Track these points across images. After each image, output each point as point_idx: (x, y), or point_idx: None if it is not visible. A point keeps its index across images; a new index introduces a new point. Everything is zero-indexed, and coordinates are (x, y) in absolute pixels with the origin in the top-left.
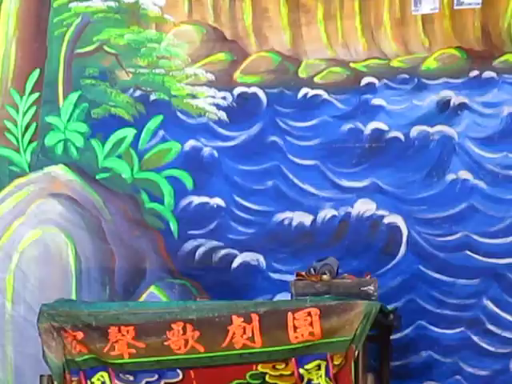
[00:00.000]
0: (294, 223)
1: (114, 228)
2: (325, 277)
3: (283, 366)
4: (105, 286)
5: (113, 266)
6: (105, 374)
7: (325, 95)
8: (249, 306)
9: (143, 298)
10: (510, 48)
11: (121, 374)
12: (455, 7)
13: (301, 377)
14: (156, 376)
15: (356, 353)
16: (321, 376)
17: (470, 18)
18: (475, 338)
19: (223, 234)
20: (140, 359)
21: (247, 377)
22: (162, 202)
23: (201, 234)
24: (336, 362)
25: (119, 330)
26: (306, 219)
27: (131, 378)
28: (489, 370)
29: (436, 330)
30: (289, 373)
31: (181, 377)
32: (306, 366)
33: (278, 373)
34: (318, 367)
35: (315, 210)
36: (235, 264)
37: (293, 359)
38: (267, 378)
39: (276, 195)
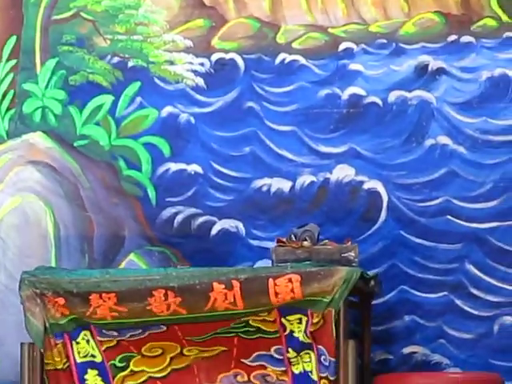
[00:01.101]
0: (273, 189)
1: (93, 195)
2: (305, 243)
3: (266, 314)
4: (84, 254)
5: (91, 233)
6: (87, 333)
7: (303, 61)
8: (229, 273)
9: (122, 265)
10: (489, 12)
11: (104, 330)
12: None
13: (283, 326)
14: (140, 330)
15: (334, 316)
16: (301, 330)
17: None
18: (458, 302)
19: (201, 201)
20: (123, 320)
21: (231, 324)
22: (139, 169)
23: (179, 201)
24: (314, 321)
25: (100, 297)
26: (285, 185)
27: (115, 334)
28: (473, 334)
29: (419, 294)
30: (271, 319)
31: (165, 329)
32: (288, 317)
33: (260, 318)
34: (299, 320)
35: (293, 176)
36: (214, 231)
37: (275, 310)
38: (250, 321)
39: (254, 161)
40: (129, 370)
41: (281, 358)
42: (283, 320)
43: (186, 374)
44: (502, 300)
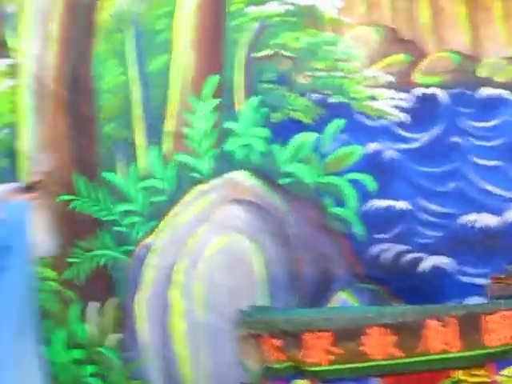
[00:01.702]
0: (479, 225)
1: (299, 233)
2: None
3: (480, 371)
4: (293, 292)
5: (300, 271)
6: (302, 382)
7: (505, 94)
8: (443, 310)
9: (332, 303)
10: None
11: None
12: None
13: None
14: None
15: None
16: None
17: None
18: None
19: (410, 238)
20: (337, 366)
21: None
22: (345, 206)
23: (386, 237)
24: None
25: (315, 336)
26: (492, 220)
27: None
28: None
29: None
30: (486, 380)
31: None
32: (503, 372)
33: (475, 379)
34: None
35: (500, 211)
36: (422, 268)
37: (491, 364)
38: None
39: (459, 197)
40: None
41: None
42: (497, 377)
43: None
44: None
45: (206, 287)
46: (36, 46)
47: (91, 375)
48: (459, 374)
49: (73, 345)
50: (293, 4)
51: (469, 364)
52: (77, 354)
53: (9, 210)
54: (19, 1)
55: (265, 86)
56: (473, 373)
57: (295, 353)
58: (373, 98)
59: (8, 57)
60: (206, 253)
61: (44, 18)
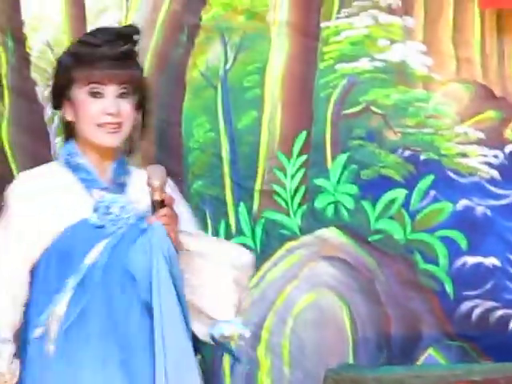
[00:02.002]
0: None
1: (389, 290)
2: None
3: None
4: (381, 350)
5: (389, 328)
6: None
7: None
8: None
9: (421, 360)
10: None
11: None
12: None
13: None
14: None
15: None
16: None
17: None
18: None
19: (499, 294)
20: None
21: None
22: (436, 263)
23: (476, 294)
24: None
25: None
26: None
27: None
28: None
29: None
30: None
31: None
32: None
33: None
34: None
35: None
36: None
37: None
38: None
39: None
40: None
41: None
42: None
43: None
44: None
45: (294, 344)
46: None
47: None
48: None
49: None
50: (383, 61)
51: None
52: None
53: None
54: None
55: (354, 142)
56: None
57: None
58: (464, 155)
59: None
60: (294, 310)
61: None
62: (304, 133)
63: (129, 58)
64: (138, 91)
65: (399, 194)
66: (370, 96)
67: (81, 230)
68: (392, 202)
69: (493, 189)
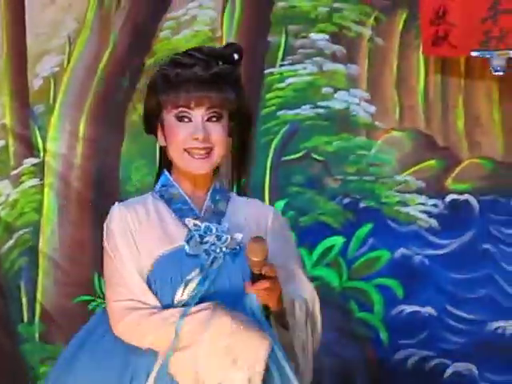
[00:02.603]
0: (508, 332)
1: (323, 338)
2: None
3: None
4: None
5: (322, 377)
6: None
7: None
8: None
9: None
10: None
11: None
12: None
13: None
14: None
15: None
16: None
17: None
18: None
19: (435, 344)
20: None
21: None
22: (371, 311)
23: (411, 343)
24: None
25: None
26: None
27: None
28: None
29: None
30: None
31: None
32: None
33: None
34: None
35: None
36: (447, 374)
37: None
38: None
39: (489, 304)
40: None
41: None
42: None
43: None
44: None
45: None
46: (63, 146)
47: None
48: None
49: None
50: (326, 108)
51: None
52: None
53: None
54: (48, 101)
55: (294, 189)
56: None
57: None
58: (403, 204)
59: (35, 156)
60: None
61: (72, 118)
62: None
63: (221, 80)
64: (233, 115)
65: (337, 241)
66: (311, 143)
67: (176, 257)
68: (329, 249)
69: (431, 238)
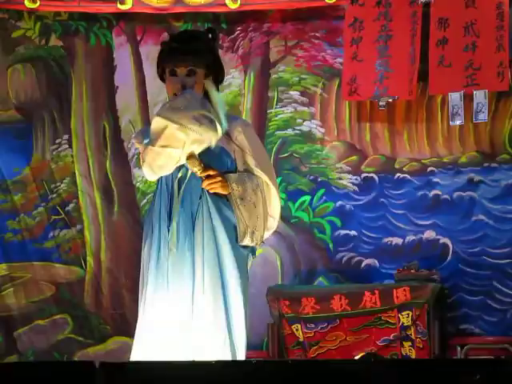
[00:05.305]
0: (394, 243)
1: (300, 248)
2: (412, 271)
3: (392, 313)
4: (295, 277)
5: (299, 267)
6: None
7: (408, 177)
8: (373, 286)
9: (315, 283)
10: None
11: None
12: None
13: (399, 320)
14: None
15: (427, 309)
16: (408, 321)
17: None
18: None
19: (356, 249)
20: (317, 315)
21: (373, 319)
22: (325, 233)
23: (345, 249)
24: (417, 313)
25: (306, 299)
26: (399, 241)
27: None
28: None
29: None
30: (393, 315)
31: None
32: (402, 313)
33: (387, 314)
34: (408, 315)
35: (404, 236)
36: (362, 266)
37: (395, 309)
38: (382, 317)
39: (384, 229)
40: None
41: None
42: (399, 315)
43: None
44: None
45: (250, 275)
46: None
47: None
48: (381, 315)
49: None
50: (299, 130)
51: (385, 311)
52: None
53: None
54: None
55: (285, 172)
56: (387, 314)
57: (297, 308)
58: (340, 178)
59: None
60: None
61: None
62: None
63: (197, 50)
64: (209, 71)
65: (307, 198)
66: (292, 148)
67: None
68: (303, 202)
69: (354, 196)
